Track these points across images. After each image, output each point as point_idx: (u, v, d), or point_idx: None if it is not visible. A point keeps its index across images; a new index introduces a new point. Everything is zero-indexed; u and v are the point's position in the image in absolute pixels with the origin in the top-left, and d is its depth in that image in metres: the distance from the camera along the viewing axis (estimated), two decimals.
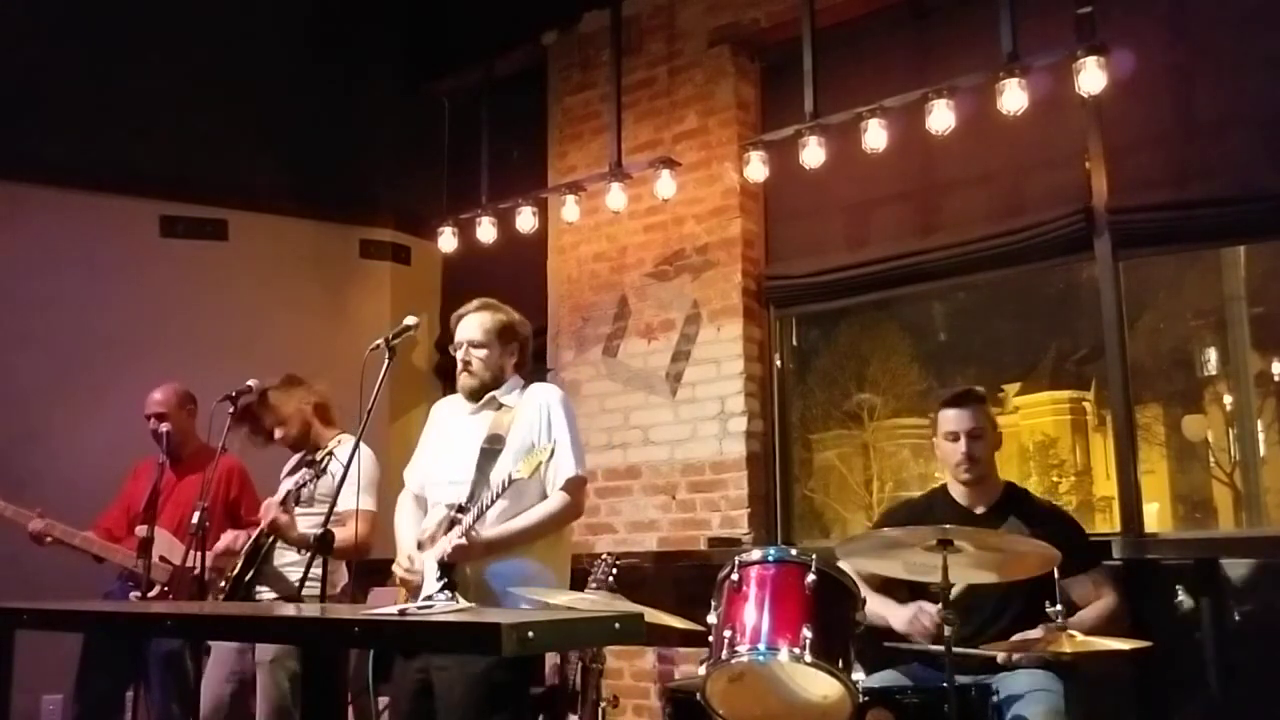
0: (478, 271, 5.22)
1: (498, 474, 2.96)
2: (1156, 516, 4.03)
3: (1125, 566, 3.54)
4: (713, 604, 2.84)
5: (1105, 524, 4.12)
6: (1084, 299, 4.13)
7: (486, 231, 5.09)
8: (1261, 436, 3.99)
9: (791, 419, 4.78)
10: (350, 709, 3.83)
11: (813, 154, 4.14)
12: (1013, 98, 3.68)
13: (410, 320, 3.18)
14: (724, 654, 2.69)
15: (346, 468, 3.16)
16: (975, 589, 2.98)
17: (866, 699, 2.70)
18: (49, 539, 4.05)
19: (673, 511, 4.73)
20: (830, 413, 4.96)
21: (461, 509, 2.94)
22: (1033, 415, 4.92)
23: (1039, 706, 2.88)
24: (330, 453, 3.64)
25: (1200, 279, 4.13)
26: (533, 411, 3.11)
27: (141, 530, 3.96)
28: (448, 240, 5.27)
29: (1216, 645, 3.50)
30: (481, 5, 5.80)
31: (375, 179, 6.12)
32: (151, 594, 3.96)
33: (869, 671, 2.85)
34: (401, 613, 2.07)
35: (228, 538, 3.93)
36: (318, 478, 3.59)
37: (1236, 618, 3.51)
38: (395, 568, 3.05)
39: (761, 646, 2.67)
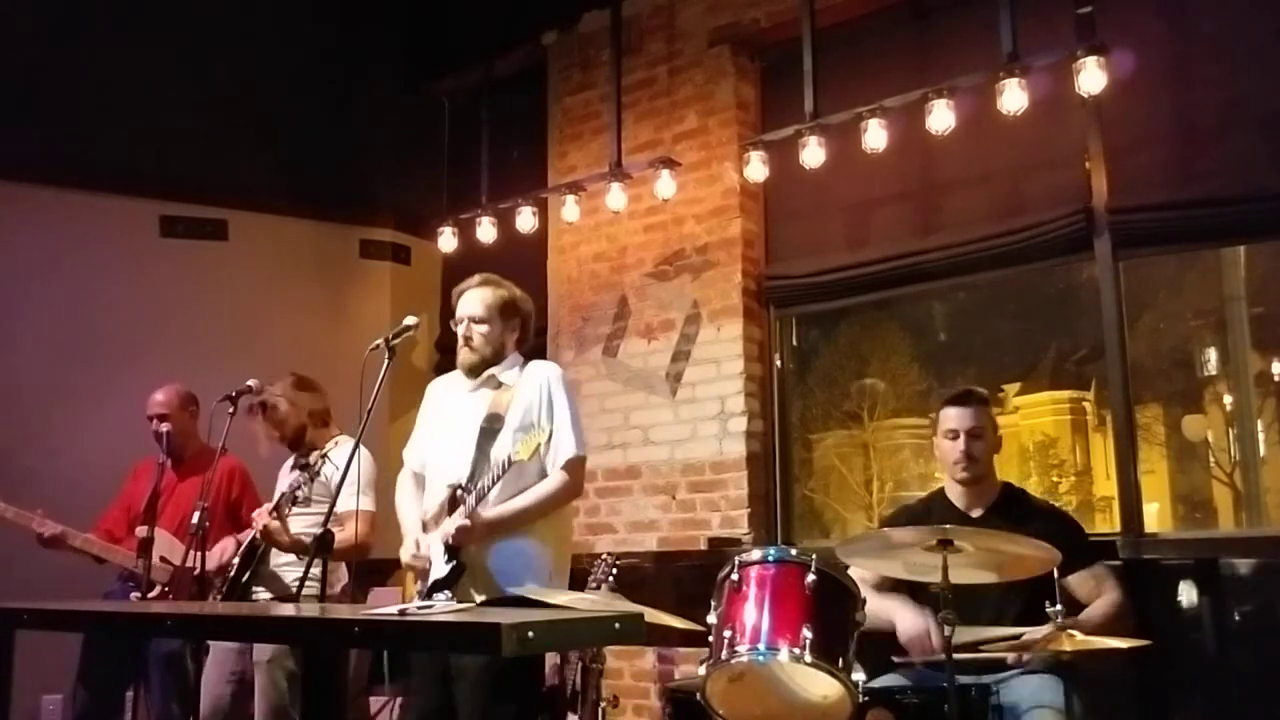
0: (478, 271, 5.19)
1: (498, 452, 2.97)
2: (1156, 516, 4.03)
3: (1125, 566, 3.54)
4: (713, 604, 2.84)
5: (1105, 524, 4.12)
6: (1084, 299, 4.13)
7: (486, 231, 5.09)
8: (1261, 436, 3.99)
9: (791, 419, 4.78)
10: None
11: (813, 154, 4.14)
12: (1013, 98, 3.68)
13: (410, 320, 3.18)
14: (724, 654, 2.68)
15: (346, 468, 3.16)
16: (975, 590, 2.98)
17: (866, 699, 2.70)
18: (54, 540, 4.04)
19: (673, 511, 4.73)
20: (830, 413, 4.96)
21: (463, 488, 2.95)
22: (1033, 415, 4.92)
23: (1039, 707, 2.88)
24: (324, 455, 3.65)
25: (1200, 279, 4.13)
26: (532, 390, 3.11)
27: (142, 531, 3.96)
28: (448, 240, 5.27)
29: (1216, 645, 3.50)
30: (481, 5, 5.80)
31: (375, 179, 6.12)
32: (152, 594, 3.96)
33: (872, 673, 2.85)
34: (401, 613, 2.06)
35: (220, 547, 3.93)
36: (311, 480, 3.59)
37: (1236, 618, 3.51)
38: (402, 552, 3.06)
39: (761, 646, 2.66)
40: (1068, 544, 2.85)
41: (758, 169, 4.31)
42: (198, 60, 5.51)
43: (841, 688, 2.63)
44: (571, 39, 5.43)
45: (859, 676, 2.66)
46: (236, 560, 3.80)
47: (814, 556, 2.78)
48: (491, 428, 3.05)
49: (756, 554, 2.85)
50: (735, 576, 2.81)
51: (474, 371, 3.17)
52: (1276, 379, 3.93)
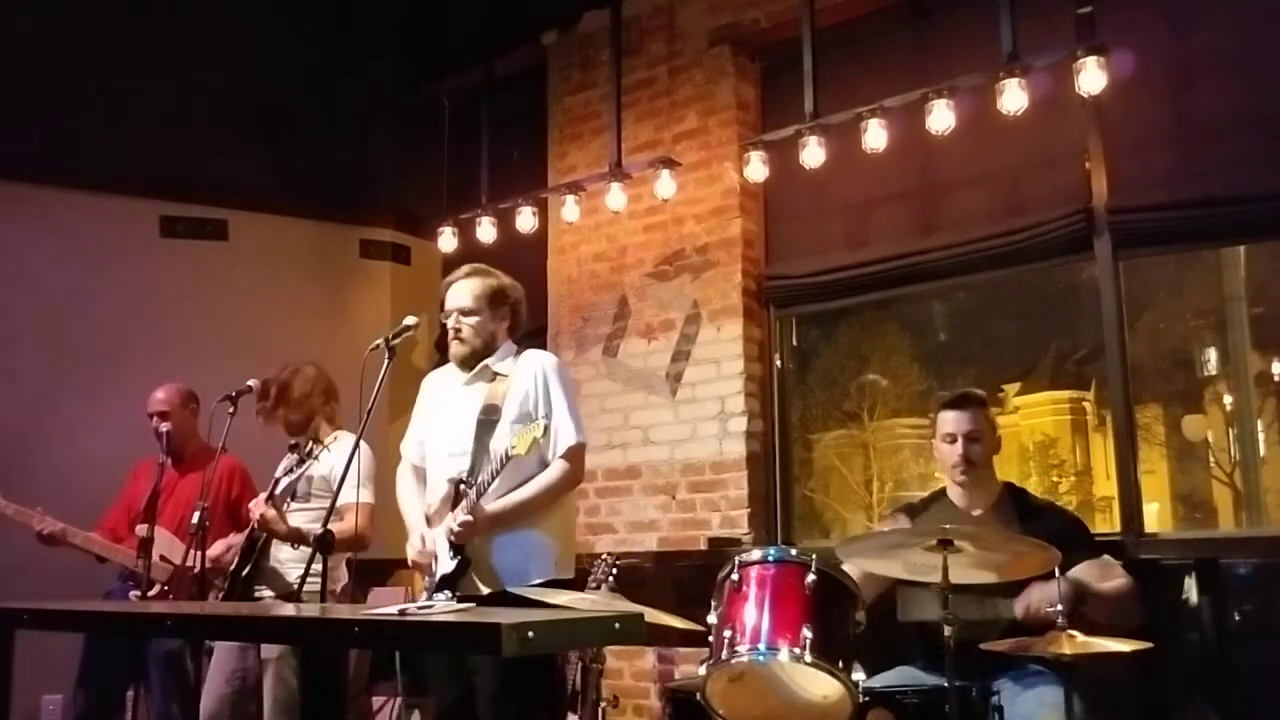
0: None
1: (496, 443, 2.98)
2: (1156, 516, 4.03)
3: (1125, 567, 3.54)
4: (713, 604, 2.84)
5: (1105, 524, 4.12)
6: (1084, 299, 4.13)
7: (486, 231, 5.09)
8: (1261, 436, 3.99)
9: (791, 419, 4.78)
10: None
11: (813, 154, 4.14)
12: (1013, 98, 3.68)
13: (410, 320, 3.18)
14: (724, 654, 2.68)
15: (347, 467, 3.18)
16: (975, 590, 2.98)
17: (866, 699, 2.70)
18: (53, 537, 4.04)
19: (673, 511, 4.73)
20: (830, 413, 4.96)
21: (465, 482, 2.96)
22: (1033, 415, 4.93)
23: (1039, 707, 2.88)
24: (324, 445, 3.67)
25: (1200, 279, 4.13)
26: (528, 379, 3.10)
27: (142, 529, 3.96)
28: (448, 240, 5.28)
29: (1216, 645, 3.50)
30: (481, 5, 5.80)
31: (375, 179, 6.12)
32: (151, 593, 3.97)
33: (872, 672, 2.85)
34: (402, 613, 2.07)
35: (218, 548, 3.93)
36: (302, 463, 3.62)
37: (1236, 618, 3.51)
38: (408, 548, 3.07)
39: (762, 646, 2.67)
40: (1070, 541, 2.85)
41: (758, 169, 4.32)
42: (198, 60, 5.51)
43: (841, 688, 2.63)
44: (571, 39, 5.43)
45: (859, 676, 2.67)
46: (237, 555, 3.80)
47: (814, 556, 2.79)
48: (489, 419, 3.05)
49: (756, 554, 2.86)
50: (735, 576, 2.82)
51: (467, 364, 3.18)
52: (1276, 379, 3.93)
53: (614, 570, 3.94)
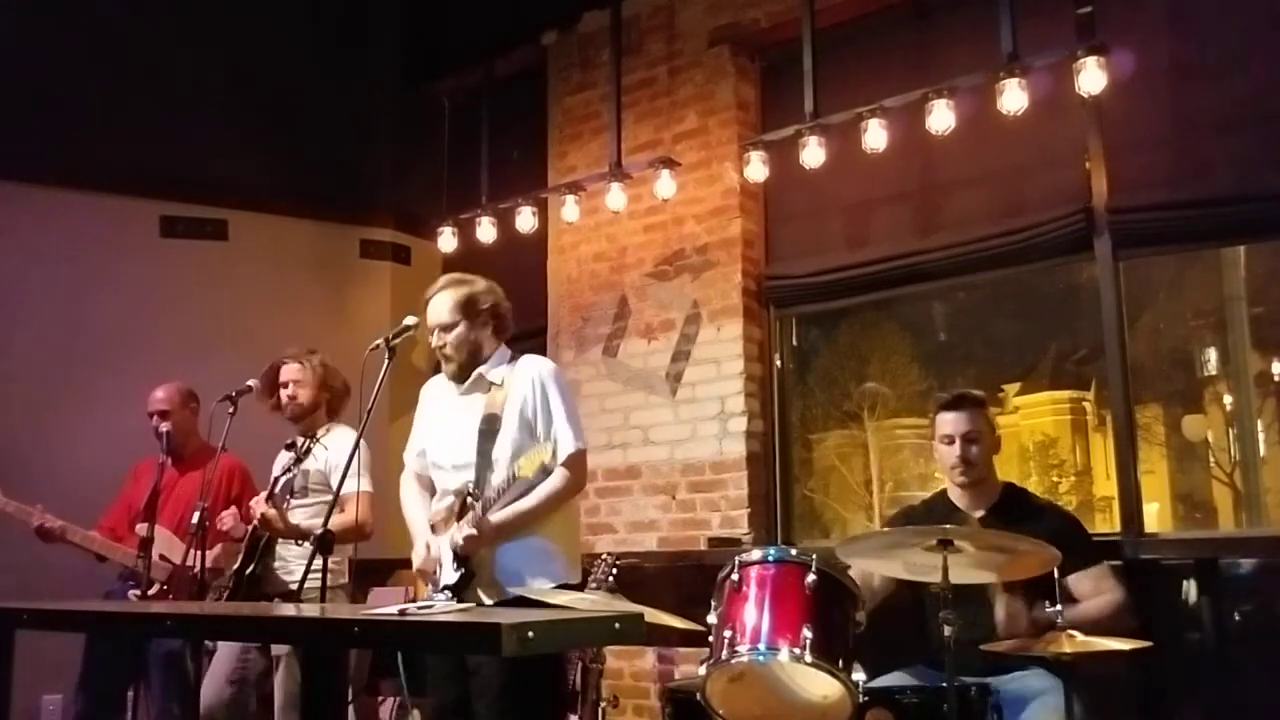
0: (478, 271, 5.08)
1: (499, 452, 2.98)
2: (1156, 516, 4.03)
3: (1125, 566, 3.54)
4: (713, 604, 2.84)
5: (1105, 524, 4.12)
6: (1084, 299, 4.13)
7: (486, 231, 5.10)
8: (1261, 436, 3.99)
9: (791, 419, 4.78)
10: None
11: (813, 154, 4.14)
12: (1013, 98, 3.68)
13: (410, 320, 3.18)
14: (724, 654, 2.69)
15: (347, 466, 3.19)
16: (975, 589, 2.98)
17: (866, 699, 2.70)
18: (51, 533, 4.04)
19: (673, 511, 4.73)
20: (830, 413, 4.96)
21: (471, 494, 2.96)
22: (1033, 415, 4.93)
23: (1039, 707, 2.88)
24: (318, 440, 3.68)
25: (1200, 279, 4.13)
26: (525, 386, 3.08)
27: (142, 528, 3.96)
28: (448, 240, 5.28)
29: (1216, 645, 3.50)
30: (481, 5, 5.80)
31: (375, 179, 6.12)
32: (151, 592, 3.97)
33: (872, 674, 2.85)
34: (401, 613, 2.07)
35: (219, 549, 3.94)
36: (298, 460, 3.62)
37: (1236, 618, 3.51)
38: (413, 556, 3.06)
39: (762, 646, 2.67)
40: (1069, 543, 2.85)
41: (758, 169, 4.31)
42: (198, 60, 5.51)
43: (841, 688, 2.64)
44: (571, 39, 5.43)
45: (859, 676, 2.67)
46: (240, 554, 3.81)
47: (814, 556, 2.79)
48: (490, 429, 3.04)
49: (756, 554, 2.86)
50: (735, 576, 2.82)
51: (459, 378, 3.16)
52: (1276, 379, 3.93)
53: (614, 570, 3.94)
